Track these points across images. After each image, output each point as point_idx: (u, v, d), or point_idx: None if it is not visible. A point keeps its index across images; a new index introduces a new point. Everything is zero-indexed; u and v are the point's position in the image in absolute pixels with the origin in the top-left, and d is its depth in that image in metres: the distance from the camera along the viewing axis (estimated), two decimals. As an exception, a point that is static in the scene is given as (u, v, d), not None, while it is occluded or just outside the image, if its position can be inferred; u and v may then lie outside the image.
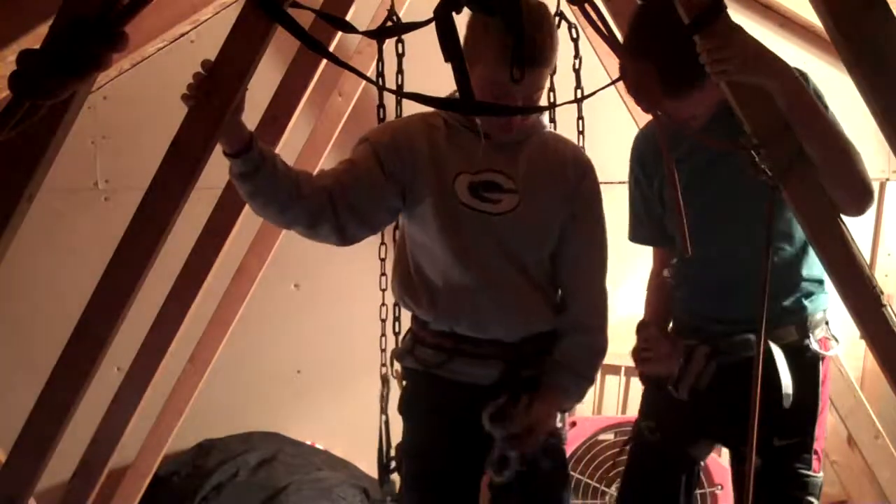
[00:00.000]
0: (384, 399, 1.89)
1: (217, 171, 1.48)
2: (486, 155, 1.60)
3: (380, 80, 1.84)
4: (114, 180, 3.01)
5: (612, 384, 3.09)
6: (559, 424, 1.70)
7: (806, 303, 1.64)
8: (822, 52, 3.09)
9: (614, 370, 3.03)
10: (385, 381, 1.91)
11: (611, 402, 3.17)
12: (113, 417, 2.17)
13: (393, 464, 1.83)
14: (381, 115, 1.85)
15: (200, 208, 2.08)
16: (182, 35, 2.91)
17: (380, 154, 1.59)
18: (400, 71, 1.85)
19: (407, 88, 1.78)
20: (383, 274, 1.90)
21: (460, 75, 1.35)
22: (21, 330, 2.97)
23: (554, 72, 1.89)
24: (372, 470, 3.11)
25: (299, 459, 3.05)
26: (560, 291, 1.69)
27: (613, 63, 1.50)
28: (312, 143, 2.72)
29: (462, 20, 1.34)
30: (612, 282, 1.74)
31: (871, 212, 2.60)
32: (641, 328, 1.80)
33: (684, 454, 1.80)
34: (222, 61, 1.36)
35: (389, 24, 1.82)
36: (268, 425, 3.21)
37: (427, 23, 1.42)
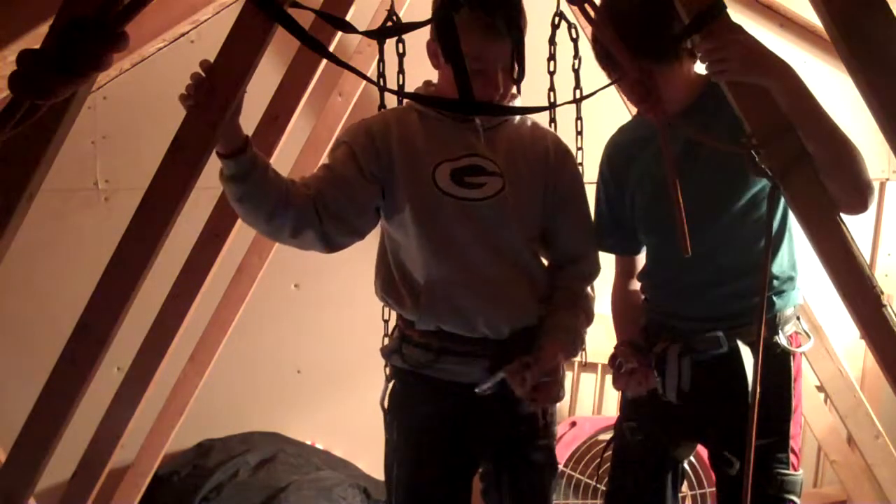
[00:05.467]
0: (385, 397, 1.88)
1: (217, 171, 1.48)
2: (465, 139, 1.59)
3: (380, 80, 1.84)
4: (114, 180, 3.01)
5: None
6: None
7: (776, 300, 1.65)
8: (822, 52, 3.09)
9: (614, 370, 3.03)
10: (389, 380, 1.90)
11: (611, 402, 3.18)
12: (113, 417, 2.17)
13: None
14: (383, 116, 1.84)
15: (200, 208, 2.08)
16: (182, 35, 2.91)
17: (357, 156, 1.57)
18: (401, 71, 1.84)
19: (407, 89, 1.78)
20: (383, 274, 1.89)
21: (460, 75, 1.35)
22: (21, 330, 2.97)
23: (554, 71, 1.89)
24: (371, 470, 3.13)
25: (299, 459, 3.05)
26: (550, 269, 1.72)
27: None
28: (312, 143, 2.72)
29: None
30: (603, 280, 1.76)
31: (871, 212, 2.60)
32: (618, 346, 1.78)
33: (667, 455, 1.80)
34: (222, 61, 1.36)
35: (389, 24, 1.82)
36: (268, 425, 3.21)
37: (427, 23, 1.42)
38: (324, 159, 2.62)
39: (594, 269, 1.74)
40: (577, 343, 1.67)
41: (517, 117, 1.67)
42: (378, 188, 1.58)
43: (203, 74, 1.35)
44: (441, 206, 1.56)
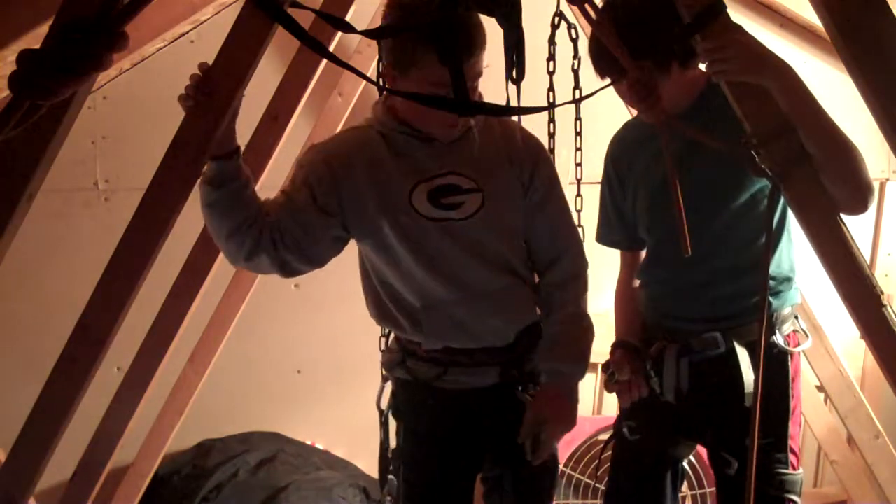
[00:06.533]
0: (380, 398, 1.88)
1: (217, 171, 1.48)
2: (437, 157, 1.54)
3: (380, 80, 1.84)
4: (114, 180, 3.01)
5: (612, 384, 3.10)
6: None
7: (772, 300, 1.65)
8: (822, 52, 3.09)
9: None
10: (385, 380, 1.90)
11: (610, 401, 3.17)
12: (113, 417, 2.17)
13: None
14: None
15: (200, 208, 2.08)
16: (182, 35, 2.91)
17: (313, 186, 1.52)
18: (400, 71, 1.84)
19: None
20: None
21: (457, 75, 1.35)
22: (21, 330, 2.97)
23: (553, 72, 1.89)
24: (372, 470, 3.12)
25: (299, 459, 3.05)
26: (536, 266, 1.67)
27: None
28: (312, 143, 2.72)
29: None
30: (605, 278, 1.75)
31: (871, 212, 2.60)
32: (613, 351, 1.78)
33: (665, 454, 1.80)
34: (222, 61, 1.36)
35: (389, 24, 1.81)
36: (268, 425, 3.21)
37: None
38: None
39: (578, 267, 1.67)
40: (583, 369, 1.64)
41: (480, 120, 1.60)
42: (335, 220, 1.54)
43: (202, 76, 1.35)
44: (425, 230, 1.53)
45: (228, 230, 1.49)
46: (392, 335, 1.75)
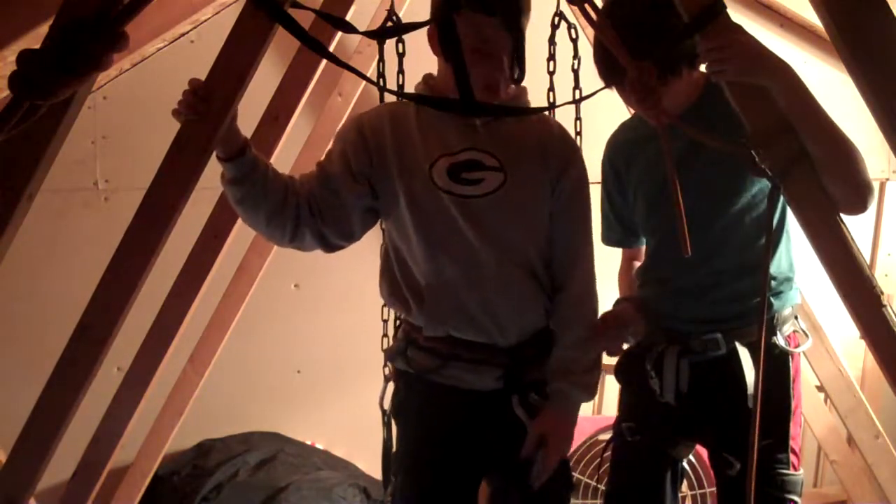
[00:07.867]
0: (383, 397, 1.87)
1: (217, 171, 1.48)
2: (466, 133, 1.53)
3: (380, 80, 1.84)
4: (114, 180, 3.01)
5: (613, 384, 3.10)
6: None
7: (773, 301, 1.65)
8: (822, 52, 3.10)
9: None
10: (387, 380, 1.89)
11: (611, 402, 3.18)
12: (113, 417, 2.17)
13: None
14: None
15: (200, 208, 2.08)
16: (182, 35, 2.91)
17: (348, 154, 1.54)
18: (401, 71, 1.84)
19: (407, 88, 1.78)
20: (384, 274, 1.89)
21: (460, 76, 1.35)
22: (21, 330, 2.97)
23: (553, 72, 1.89)
24: (371, 470, 3.13)
25: (299, 459, 3.06)
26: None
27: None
28: (312, 143, 2.72)
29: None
30: (608, 275, 1.75)
31: (871, 212, 2.61)
32: (618, 303, 1.79)
33: (665, 454, 1.80)
34: (222, 62, 1.36)
35: (389, 24, 1.82)
36: (268, 425, 3.22)
37: (427, 23, 1.42)
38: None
39: (588, 285, 1.63)
40: (588, 398, 1.63)
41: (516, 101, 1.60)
42: (366, 189, 1.55)
43: (192, 91, 1.35)
44: (439, 204, 1.51)
45: (265, 217, 1.50)
46: (402, 327, 1.72)
